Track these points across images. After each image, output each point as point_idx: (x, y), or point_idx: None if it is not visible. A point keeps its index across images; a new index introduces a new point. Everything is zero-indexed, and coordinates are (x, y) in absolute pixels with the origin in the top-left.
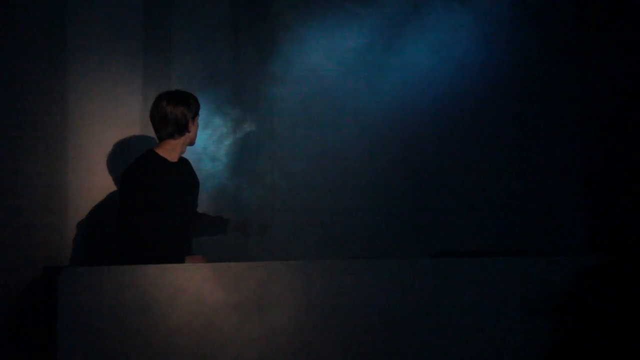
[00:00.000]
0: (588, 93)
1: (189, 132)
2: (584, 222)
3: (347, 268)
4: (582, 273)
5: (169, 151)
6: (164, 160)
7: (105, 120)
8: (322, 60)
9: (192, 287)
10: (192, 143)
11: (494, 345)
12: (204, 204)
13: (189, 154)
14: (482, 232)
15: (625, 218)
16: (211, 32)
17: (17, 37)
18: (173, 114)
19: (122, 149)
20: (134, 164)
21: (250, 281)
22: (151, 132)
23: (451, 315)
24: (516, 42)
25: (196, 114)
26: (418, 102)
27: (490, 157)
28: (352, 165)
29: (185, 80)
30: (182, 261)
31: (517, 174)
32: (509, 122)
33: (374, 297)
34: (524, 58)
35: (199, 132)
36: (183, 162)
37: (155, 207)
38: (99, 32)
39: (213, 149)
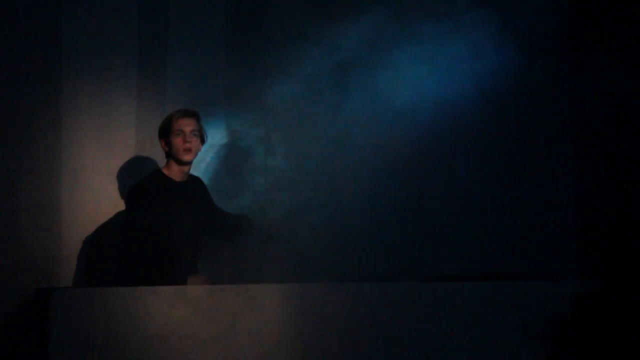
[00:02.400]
0: (580, 112)
1: (164, 151)
2: (577, 244)
3: (338, 291)
4: (579, 297)
5: (170, 170)
6: (168, 179)
7: (98, 136)
8: (317, 70)
9: (187, 309)
10: (176, 160)
11: None
12: None
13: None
14: (476, 255)
15: (619, 240)
16: (206, 42)
17: (10, 43)
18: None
19: (116, 164)
20: (140, 181)
21: (244, 304)
22: (146, 144)
23: (446, 339)
24: (506, 54)
25: (160, 135)
26: (413, 121)
27: (484, 180)
28: (345, 180)
29: (179, 90)
30: (184, 281)
31: (509, 196)
32: (501, 144)
33: (366, 322)
34: (513, 73)
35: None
36: (193, 181)
37: (158, 226)
38: (94, 43)
39: (206, 158)
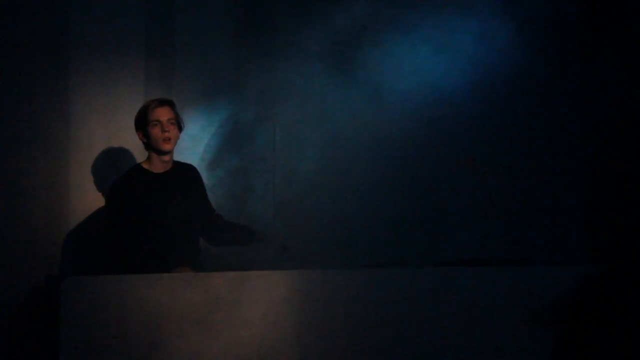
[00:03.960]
0: (590, 99)
1: (143, 142)
2: (586, 229)
3: (346, 278)
4: (586, 282)
5: (151, 162)
6: (146, 172)
7: (106, 127)
8: (324, 66)
9: (198, 295)
10: (155, 151)
11: (497, 355)
12: None
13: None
14: (483, 240)
15: (627, 225)
16: (213, 39)
17: (19, 43)
18: None
19: (123, 155)
20: (118, 178)
21: (243, 291)
22: None
23: (454, 324)
24: (514, 42)
25: (137, 126)
26: (420, 108)
27: (492, 165)
28: (353, 173)
29: (186, 87)
30: (170, 266)
31: (518, 181)
32: (510, 129)
33: (373, 307)
34: (523, 65)
35: (200, 136)
36: (180, 170)
37: (137, 219)
38: (101, 39)
39: (212, 155)
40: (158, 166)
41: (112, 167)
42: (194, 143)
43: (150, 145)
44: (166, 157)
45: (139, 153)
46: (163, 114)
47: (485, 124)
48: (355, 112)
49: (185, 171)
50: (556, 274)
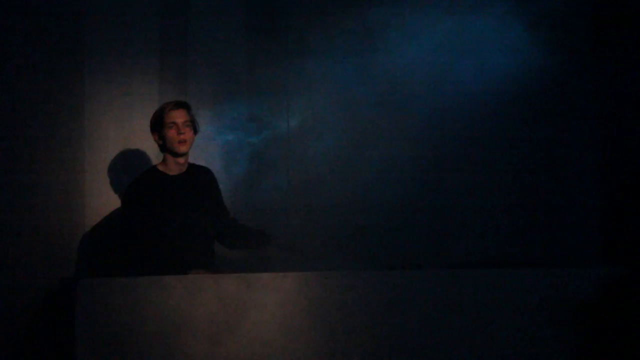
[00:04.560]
0: (606, 99)
1: (158, 144)
2: (601, 231)
3: (356, 279)
4: (605, 284)
5: (166, 165)
6: (162, 174)
7: (121, 129)
8: (337, 66)
9: (212, 297)
10: (171, 153)
11: (514, 357)
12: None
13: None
14: (497, 242)
15: None
16: (227, 39)
17: (35, 44)
18: None
19: (138, 156)
20: (134, 180)
21: (258, 292)
22: None
23: (470, 327)
24: (528, 45)
25: (153, 129)
26: (436, 112)
27: (507, 165)
28: (367, 173)
29: (200, 88)
30: (185, 268)
31: (533, 182)
32: (525, 129)
33: (387, 310)
34: (539, 64)
35: (215, 138)
36: (195, 172)
37: (152, 221)
38: (115, 40)
39: (227, 156)
40: (173, 168)
41: (127, 169)
42: (208, 144)
43: (165, 148)
44: (181, 160)
45: (154, 155)
46: (179, 116)
47: (500, 124)
48: (370, 109)
49: (201, 173)
50: (575, 275)
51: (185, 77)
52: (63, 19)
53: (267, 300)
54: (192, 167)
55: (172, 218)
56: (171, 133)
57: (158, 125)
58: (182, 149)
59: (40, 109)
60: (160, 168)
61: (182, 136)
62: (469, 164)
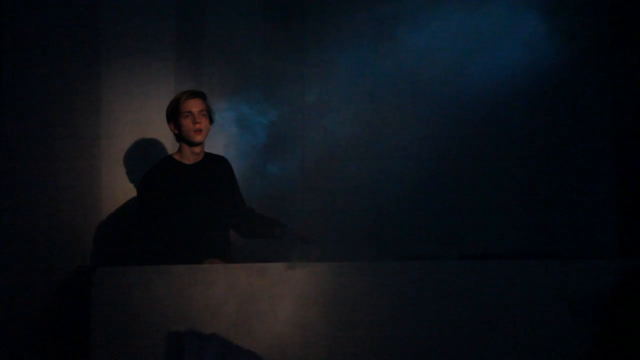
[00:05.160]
0: (622, 92)
1: (174, 134)
2: (617, 223)
3: (369, 271)
4: (625, 275)
5: (181, 154)
6: (178, 163)
7: (137, 121)
8: (354, 60)
9: (227, 288)
10: (187, 142)
11: (535, 350)
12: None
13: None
14: (512, 233)
15: None
16: (243, 28)
17: (52, 41)
18: None
19: (154, 146)
20: (150, 169)
21: (274, 283)
22: None
23: (489, 319)
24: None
25: (169, 118)
26: (452, 103)
27: (523, 158)
28: (382, 164)
29: (216, 79)
30: (201, 258)
31: (549, 174)
32: (541, 122)
33: (403, 301)
34: (555, 56)
35: (231, 126)
36: (211, 162)
37: (168, 210)
38: (133, 29)
39: (243, 147)
40: (189, 157)
41: (143, 158)
42: (224, 135)
43: (181, 137)
44: (197, 149)
45: (170, 144)
46: (195, 105)
47: (516, 116)
48: (386, 101)
49: (217, 163)
50: (594, 267)
51: (201, 66)
52: (80, 5)
53: (285, 291)
54: (208, 156)
55: (188, 207)
56: (187, 122)
57: (174, 114)
58: (198, 138)
59: (57, 98)
60: (176, 157)
61: (197, 125)
62: (485, 153)
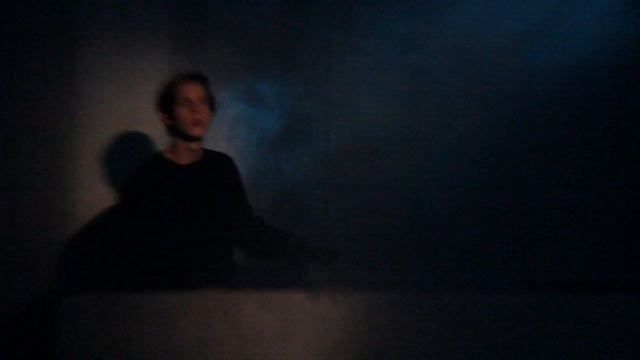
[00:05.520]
0: None
1: (166, 126)
2: None
3: (422, 301)
4: None
5: (176, 151)
6: (170, 163)
7: (121, 110)
8: (392, 31)
9: (223, 319)
10: (183, 136)
11: None
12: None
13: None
14: (581, 260)
15: None
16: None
17: (23, 34)
18: None
19: (141, 145)
20: (134, 170)
21: (268, 312)
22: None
23: (533, 355)
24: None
25: (160, 107)
26: (515, 89)
27: (609, 159)
28: (426, 161)
29: (218, 60)
30: (196, 284)
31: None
32: (621, 107)
33: (455, 335)
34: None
35: (238, 118)
36: (212, 161)
37: (157, 221)
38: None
39: (251, 141)
40: (184, 156)
41: (125, 157)
42: (227, 127)
43: (175, 130)
44: (195, 145)
45: (161, 139)
46: (193, 91)
47: (595, 108)
48: (419, 95)
49: (218, 162)
50: None
51: (201, 43)
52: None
53: (292, 328)
54: (207, 154)
55: (181, 219)
56: (184, 111)
57: (167, 101)
58: (197, 131)
59: (26, 104)
60: (168, 156)
61: (197, 115)
62: (558, 151)
